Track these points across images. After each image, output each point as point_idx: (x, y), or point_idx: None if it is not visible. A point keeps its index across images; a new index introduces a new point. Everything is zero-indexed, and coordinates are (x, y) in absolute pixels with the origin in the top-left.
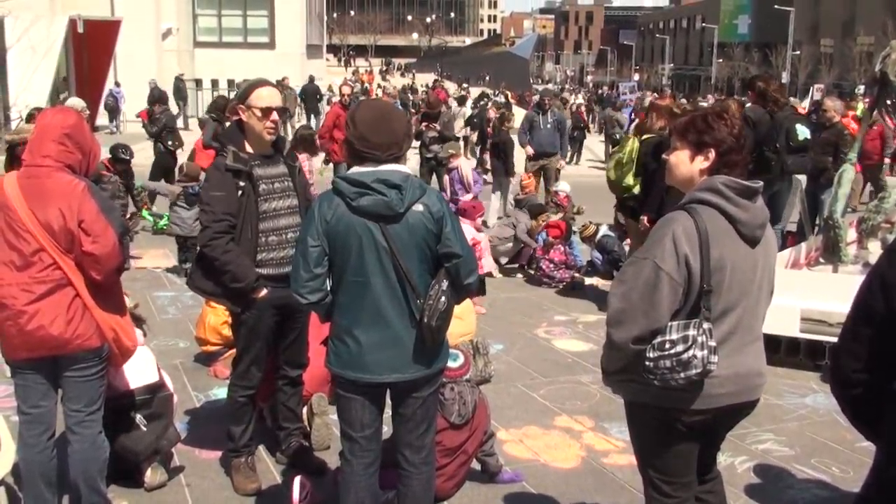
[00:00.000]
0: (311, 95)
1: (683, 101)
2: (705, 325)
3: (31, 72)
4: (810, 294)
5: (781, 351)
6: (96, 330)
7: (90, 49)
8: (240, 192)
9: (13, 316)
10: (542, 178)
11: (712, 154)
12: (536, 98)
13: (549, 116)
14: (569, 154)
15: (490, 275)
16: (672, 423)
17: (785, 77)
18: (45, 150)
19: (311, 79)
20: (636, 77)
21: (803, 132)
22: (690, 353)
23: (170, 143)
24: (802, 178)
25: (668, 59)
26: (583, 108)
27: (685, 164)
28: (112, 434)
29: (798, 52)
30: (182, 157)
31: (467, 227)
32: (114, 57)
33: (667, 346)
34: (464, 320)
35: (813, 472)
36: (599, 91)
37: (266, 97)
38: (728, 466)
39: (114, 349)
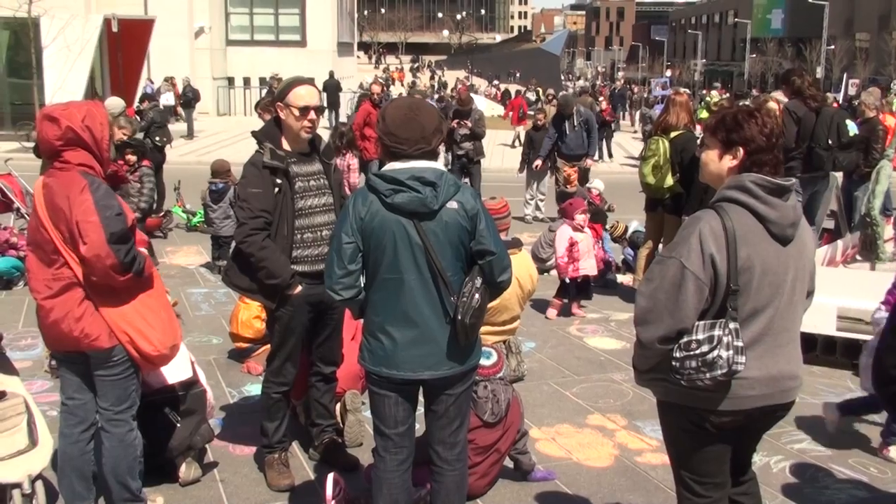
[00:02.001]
0: (331, 91)
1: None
2: (731, 325)
3: (67, 70)
4: (847, 292)
5: (818, 349)
6: (106, 331)
7: (124, 48)
8: (276, 190)
9: (39, 309)
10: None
11: (740, 152)
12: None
13: (574, 119)
14: (596, 153)
15: (588, 278)
16: (701, 424)
17: (819, 72)
18: (56, 159)
19: (331, 74)
20: (668, 73)
21: (852, 128)
22: (715, 353)
23: (157, 139)
24: (838, 174)
25: (701, 55)
26: (607, 106)
27: (714, 161)
28: (145, 430)
29: (832, 47)
30: (170, 152)
31: (564, 228)
32: (147, 55)
33: (692, 346)
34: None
35: (850, 472)
36: (613, 87)
37: (304, 96)
38: (763, 466)
39: (131, 352)
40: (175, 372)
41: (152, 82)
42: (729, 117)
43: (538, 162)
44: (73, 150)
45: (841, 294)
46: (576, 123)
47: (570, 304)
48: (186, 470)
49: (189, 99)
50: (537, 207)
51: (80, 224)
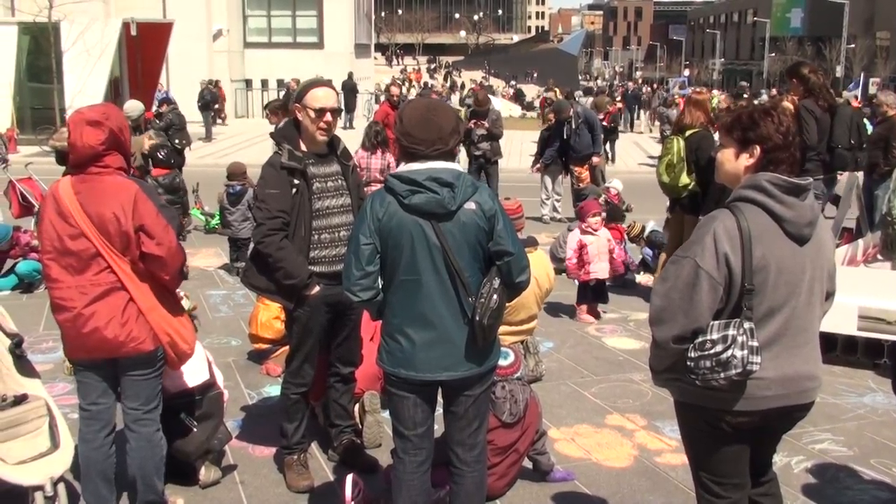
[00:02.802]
0: (348, 92)
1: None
2: (746, 325)
3: (87, 74)
4: (868, 291)
5: (838, 349)
6: (150, 334)
7: (143, 51)
8: (294, 190)
9: (71, 318)
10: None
11: (757, 151)
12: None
13: (573, 121)
14: (601, 150)
15: (601, 281)
16: (717, 424)
17: (839, 71)
18: (94, 164)
19: (350, 75)
20: (686, 73)
21: (869, 127)
22: (729, 352)
23: (177, 141)
24: (859, 173)
25: (719, 55)
26: (613, 108)
27: (730, 161)
28: (163, 434)
29: (853, 46)
30: (190, 155)
31: (574, 231)
32: (166, 59)
33: (707, 345)
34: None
35: (872, 472)
36: (626, 87)
37: (321, 98)
38: (784, 466)
39: (170, 353)
40: (192, 376)
41: (162, 86)
42: (745, 116)
43: (538, 166)
44: (113, 154)
45: (862, 293)
46: (574, 126)
47: (583, 307)
48: (206, 472)
49: (207, 101)
50: (554, 208)
51: (149, 226)
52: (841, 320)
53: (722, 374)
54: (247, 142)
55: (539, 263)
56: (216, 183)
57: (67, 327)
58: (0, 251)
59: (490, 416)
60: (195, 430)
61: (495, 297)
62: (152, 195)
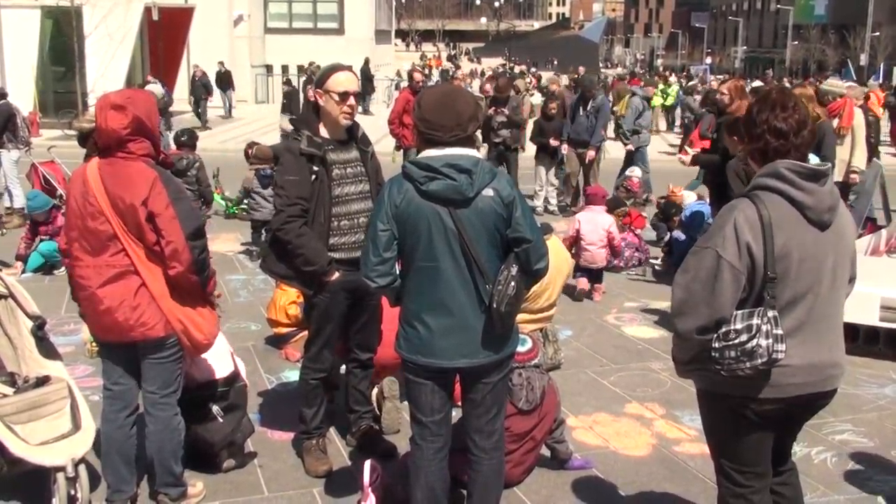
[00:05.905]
0: (365, 78)
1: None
2: (770, 314)
3: (109, 59)
4: (890, 282)
5: (860, 340)
6: (162, 320)
7: (165, 36)
8: (313, 177)
9: (89, 297)
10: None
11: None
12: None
13: (589, 104)
14: (598, 142)
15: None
16: (743, 412)
17: (863, 59)
18: (120, 149)
19: (367, 61)
20: (708, 60)
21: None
22: (755, 342)
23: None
24: (882, 162)
25: (742, 42)
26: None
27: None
28: (189, 425)
29: (878, 34)
30: (210, 139)
31: (603, 217)
32: (187, 44)
33: (731, 335)
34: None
35: (893, 463)
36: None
37: (343, 82)
38: (804, 457)
39: (184, 341)
40: (220, 367)
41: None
42: (748, 107)
43: (565, 146)
44: (138, 141)
45: (884, 284)
46: (589, 108)
47: (592, 289)
48: (228, 460)
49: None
50: (547, 199)
51: (158, 220)
52: (863, 311)
53: (748, 364)
54: (268, 126)
55: (556, 250)
56: (238, 167)
57: (86, 306)
58: (36, 221)
59: (507, 402)
60: (221, 421)
61: (513, 284)
62: (168, 185)
